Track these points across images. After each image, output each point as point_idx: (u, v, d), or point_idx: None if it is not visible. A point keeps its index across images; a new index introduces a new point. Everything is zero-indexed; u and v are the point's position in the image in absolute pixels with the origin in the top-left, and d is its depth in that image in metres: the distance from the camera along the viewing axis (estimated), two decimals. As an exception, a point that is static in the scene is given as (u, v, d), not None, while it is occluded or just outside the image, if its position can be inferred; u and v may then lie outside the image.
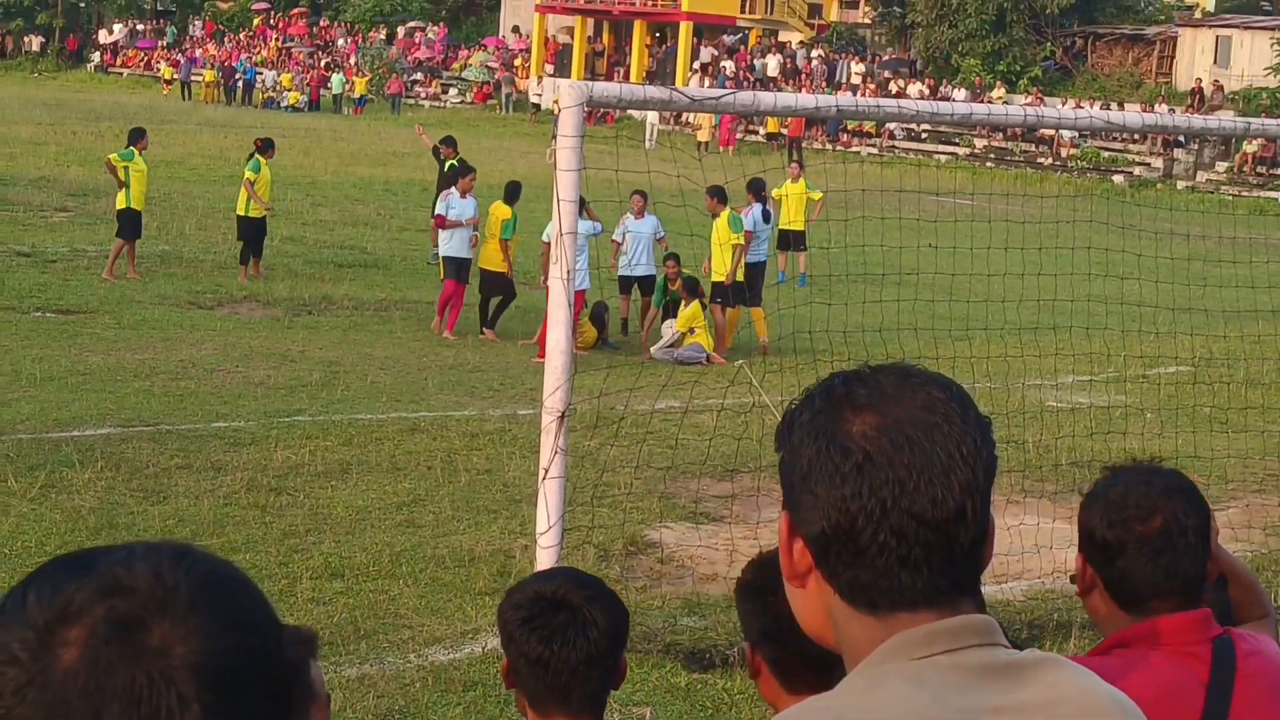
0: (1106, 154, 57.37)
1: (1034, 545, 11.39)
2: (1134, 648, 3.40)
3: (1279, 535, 13.16)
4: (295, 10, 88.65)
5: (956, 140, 60.22)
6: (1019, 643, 2.16)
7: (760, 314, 21.21)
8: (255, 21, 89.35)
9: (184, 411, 15.03)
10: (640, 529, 12.11)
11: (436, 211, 22.65)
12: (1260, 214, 41.08)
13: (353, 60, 79.75)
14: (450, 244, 21.66)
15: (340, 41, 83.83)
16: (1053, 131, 55.79)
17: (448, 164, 26.65)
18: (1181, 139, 54.49)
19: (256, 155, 24.59)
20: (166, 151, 39.07)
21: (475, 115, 70.48)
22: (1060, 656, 2.15)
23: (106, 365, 17.02)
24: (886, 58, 70.99)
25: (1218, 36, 63.92)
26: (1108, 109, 48.87)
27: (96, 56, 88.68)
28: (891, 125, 60.13)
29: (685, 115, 60.11)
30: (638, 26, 73.15)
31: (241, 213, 24.42)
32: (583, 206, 20.61)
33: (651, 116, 55.50)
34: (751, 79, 67.01)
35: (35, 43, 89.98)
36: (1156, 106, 55.08)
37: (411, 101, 73.98)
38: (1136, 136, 55.40)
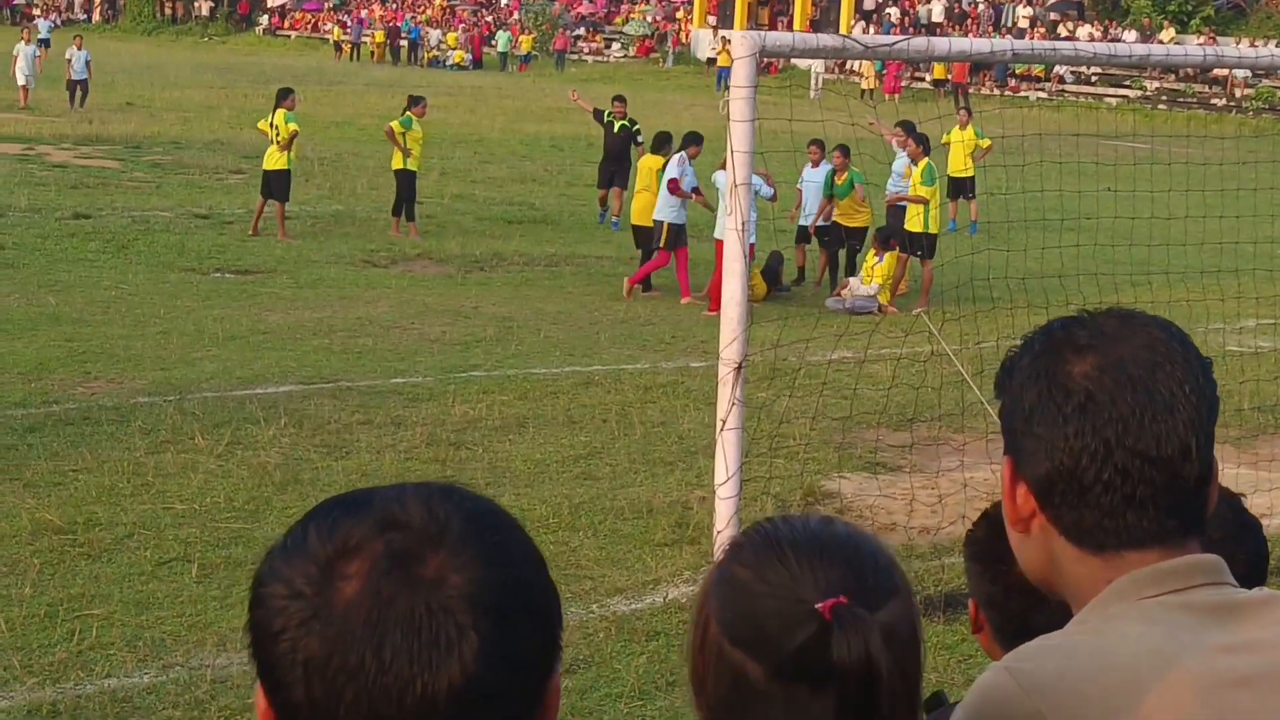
0: (1283, 93, 56.16)
1: (1219, 492, 11.20)
2: None
3: None
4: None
5: (1128, 83, 59.23)
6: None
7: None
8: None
9: (363, 368, 15.24)
10: (818, 479, 12.09)
11: (671, 175, 20.81)
12: None
13: (516, 17, 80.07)
14: (671, 210, 20.71)
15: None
16: (1227, 72, 54.70)
17: (618, 124, 26.54)
18: (1361, 76, 53.13)
19: (408, 112, 24.77)
20: (336, 112, 39.58)
21: (638, 69, 70.49)
22: (1288, 596, 2.13)
23: (286, 324, 17.29)
24: (1053, 0, 69.93)
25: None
26: (1284, 47, 47.75)
27: (264, 20, 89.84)
28: (1061, 69, 59.27)
29: (849, 63, 59.68)
30: (800, -26, 72.64)
31: (398, 166, 24.60)
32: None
33: (817, 65, 55.15)
34: (917, 24, 66.33)
35: (205, 7, 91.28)
36: (1335, 43, 53.73)
37: (575, 57, 74.13)
38: (1314, 74, 54.12)
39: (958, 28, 65.56)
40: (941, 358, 13.82)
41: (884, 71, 58.50)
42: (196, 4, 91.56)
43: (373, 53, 76.89)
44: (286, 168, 23.78)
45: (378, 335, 16.92)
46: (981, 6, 68.36)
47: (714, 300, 19.06)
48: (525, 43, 74.24)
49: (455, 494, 1.66)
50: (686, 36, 73.83)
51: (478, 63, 74.15)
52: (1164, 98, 57.87)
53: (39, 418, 12.80)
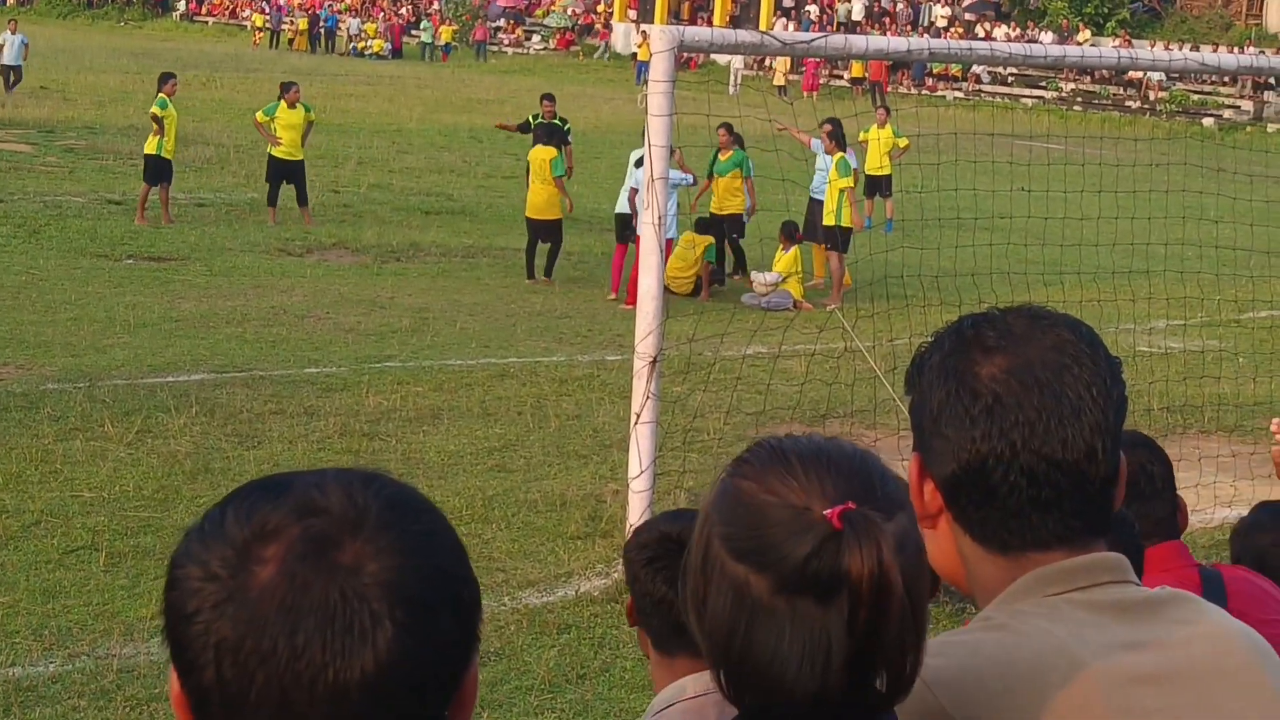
0: (1196, 97, 56.71)
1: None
2: None
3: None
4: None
5: (1043, 84, 59.69)
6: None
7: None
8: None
9: (276, 357, 15.15)
10: (731, 474, 12.09)
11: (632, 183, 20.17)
12: (1353, 157, 40.44)
13: (436, 7, 79.79)
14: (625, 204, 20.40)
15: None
16: (1141, 75, 55.22)
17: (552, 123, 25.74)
18: (1273, 81, 53.74)
19: (281, 100, 24.81)
20: (252, 99, 39.21)
21: (558, 62, 70.43)
22: (1193, 594, 2.16)
23: (199, 312, 17.17)
24: (970, 1, 70.33)
25: (1310, -24, 62.95)
26: (1198, 51, 48.28)
27: (182, 5, 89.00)
28: (978, 69, 59.66)
29: (768, 60, 59.84)
30: (721, -30, 72.75)
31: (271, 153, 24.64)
32: (670, 155, 20.60)
33: (736, 61, 55.26)
34: (835, 22, 66.59)
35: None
36: (1247, 49, 54.33)
37: (495, 49, 73.96)
38: (1226, 79, 54.70)
39: (877, 26, 65.84)
40: (855, 354, 13.89)
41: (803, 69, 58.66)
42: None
43: (291, 40, 76.40)
44: (156, 153, 23.77)
45: (292, 324, 16.83)
46: (900, 6, 68.70)
47: (631, 295, 19.12)
48: (446, 33, 73.97)
49: (377, 481, 1.65)
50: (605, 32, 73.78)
51: (397, 52, 73.83)
52: (1079, 99, 58.34)
53: (-54, 403, 12.67)
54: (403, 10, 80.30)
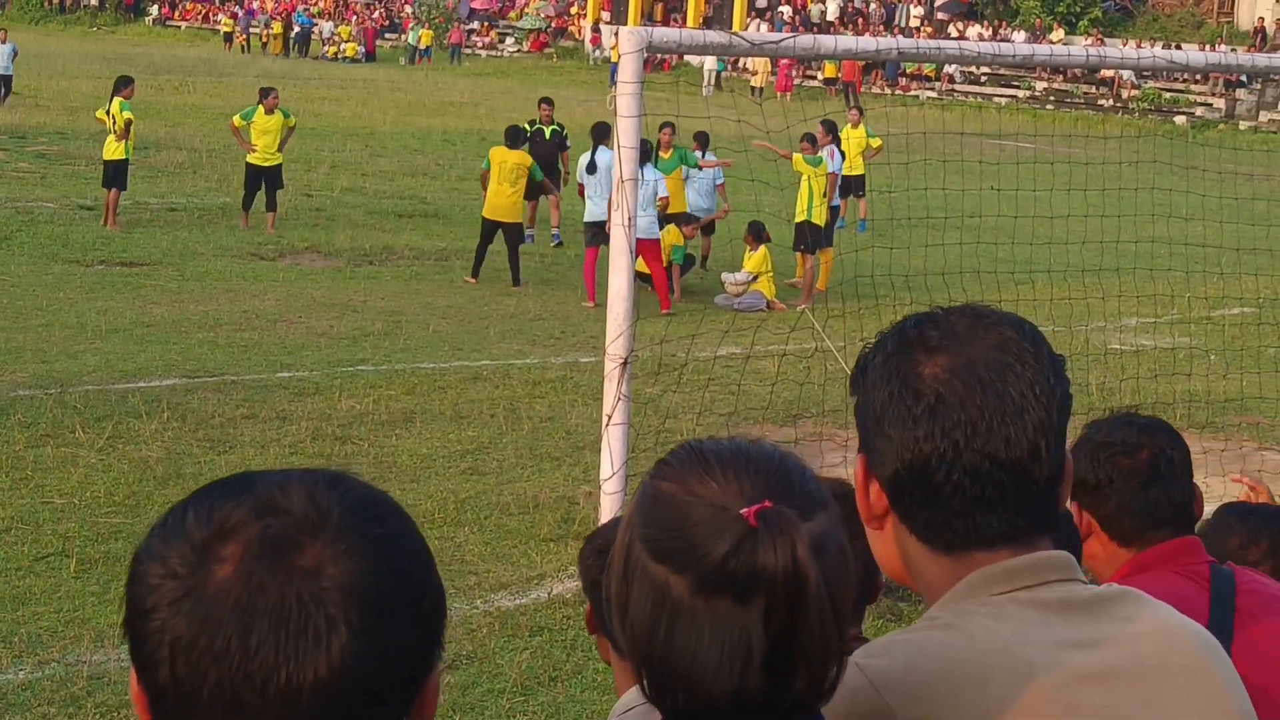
0: (1168, 95, 56.82)
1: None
2: (1136, 578, 3.45)
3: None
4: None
5: (1016, 83, 59.79)
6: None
7: (828, 257, 21.16)
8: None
9: (248, 362, 15.12)
10: (703, 475, 12.09)
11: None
12: (1325, 153, 40.60)
13: (409, 10, 79.68)
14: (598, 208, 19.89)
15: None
16: (1113, 73, 55.37)
17: (549, 130, 25.15)
18: (1244, 79, 53.92)
19: (260, 105, 24.76)
20: (225, 104, 39.15)
21: (531, 64, 70.38)
22: (1139, 591, 2.16)
23: (171, 317, 17.13)
24: (944, 1, 70.43)
25: (1281, -26, 63.12)
26: (1169, 49, 48.41)
27: (154, 10, 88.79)
28: (951, 68, 59.76)
29: (743, 61, 59.86)
30: (694, -29, 72.75)
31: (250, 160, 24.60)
32: (654, 154, 20.63)
33: (709, 62, 55.30)
34: (809, 23, 66.63)
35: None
36: (1218, 46, 54.49)
37: (469, 51, 73.90)
38: (1198, 77, 54.84)
39: (849, 27, 65.91)
40: (826, 354, 13.90)
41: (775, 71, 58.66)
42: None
43: (265, 44, 76.24)
44: (125, 157, 23.73)
45: (264, 329, 16.80)
46: (874, 6, 68.77)
47: (590, 292, 19.21)
48: (425, 37, 73.88)
49: (342, 483, 1.64)
50: (580, 33, 73.74)
51: (370, 56, 73.71)
52: (1052, 98, 58.45)
53: (-84, 411, 12.62)
54: (375, 14, 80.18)
